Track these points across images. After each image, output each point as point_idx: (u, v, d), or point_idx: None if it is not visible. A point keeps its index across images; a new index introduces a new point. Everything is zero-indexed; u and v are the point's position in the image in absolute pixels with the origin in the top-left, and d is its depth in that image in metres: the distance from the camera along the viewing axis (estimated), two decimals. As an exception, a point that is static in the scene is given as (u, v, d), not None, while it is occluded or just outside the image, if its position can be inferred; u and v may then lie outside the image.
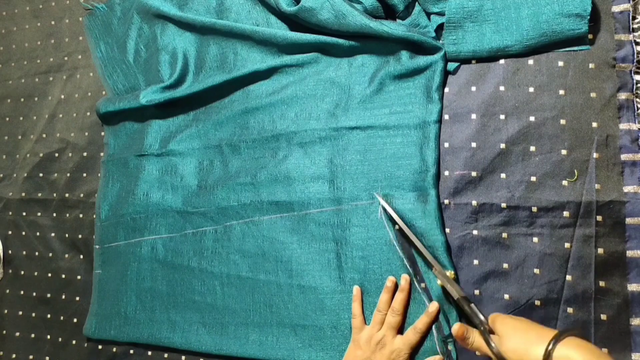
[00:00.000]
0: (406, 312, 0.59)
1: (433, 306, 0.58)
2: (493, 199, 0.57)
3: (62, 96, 0.87)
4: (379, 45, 0.65)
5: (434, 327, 0.58)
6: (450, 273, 0.57)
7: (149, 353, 0.74)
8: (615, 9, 0.55)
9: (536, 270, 0.55)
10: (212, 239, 0.71)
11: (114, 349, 0.76)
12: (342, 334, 0.62)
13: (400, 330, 0.59)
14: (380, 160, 0.63)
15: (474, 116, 0.60)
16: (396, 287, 0.60)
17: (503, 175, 0.58)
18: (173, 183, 0.75)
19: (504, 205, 0.57)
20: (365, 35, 0.64)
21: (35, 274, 0.84)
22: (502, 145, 0.58)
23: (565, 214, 0.54)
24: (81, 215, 0.82)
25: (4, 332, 0.85)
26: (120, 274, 0.76)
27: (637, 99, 0.54)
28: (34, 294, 0.84)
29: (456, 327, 0.50)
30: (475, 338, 0.50)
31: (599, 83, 0.55)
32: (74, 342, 0.79)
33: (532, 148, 0.57)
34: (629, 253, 0.52)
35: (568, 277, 0.54)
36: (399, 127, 0.62)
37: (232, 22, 0.73)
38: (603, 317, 0.52)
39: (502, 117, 0.58)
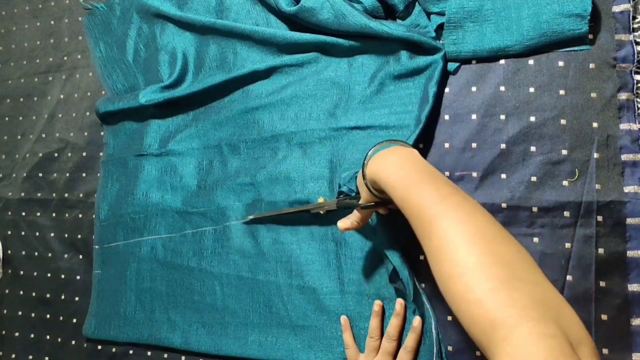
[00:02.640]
0: (401, 336, 0.59)
1: (416, 321, 0.57)
2: (493, 199, 0.57)
3: (62, 96, 0.87)
4: (378, 45, 0.64)
5: (434, 337, 0.57)
6: (321, 199, 0.63)
7: (149, 353, 0.73)
8: (616, 9, 0.55)
9: (536, 271, 0.55)
10: (212, 239, 0.71)
11: (114, 349, 0.76)
12: (341, 335, 0.62)
13: (396, 354, 0.58)
14: (380, 160, 0.63)
15: (474, 116, 0.60)
16: (384, 309, 0.60)
17: (503, 176, 0.57)
18: (172, 183, 0.75)
19: (504, 205, 0.57)
20: (365, 35, 0.64)
21: (35, 274, 0.84)
22: (503, 146, 0.58)
23: (566, 214, 0.54)
24: (80, 215, 0.82)
25: (4, 332, 0.85)
26: (119, 274, 0.76)
27: (638, 99, 0.54)
28: (34, 294, 0.84)
29: (339, 225, 0.55)
30: (355, 215, 0.55)
31: (599, 83, 0.55)
32: (73, 342, 0.79)
33: (533, 148, 0.57)
34: (630, 253, 0.52)
35: (568, 277, 0.54)
36: (399, 127, 0.62)
37: (231, 22, 0.73)
38: (603, 317, 0.52)
39: (502, 117, 0.58)
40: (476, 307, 0.33)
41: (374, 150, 0.51)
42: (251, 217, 0.68)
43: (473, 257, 0.35)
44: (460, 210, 0.39)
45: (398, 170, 0.46)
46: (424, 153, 0.62)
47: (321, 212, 0.62)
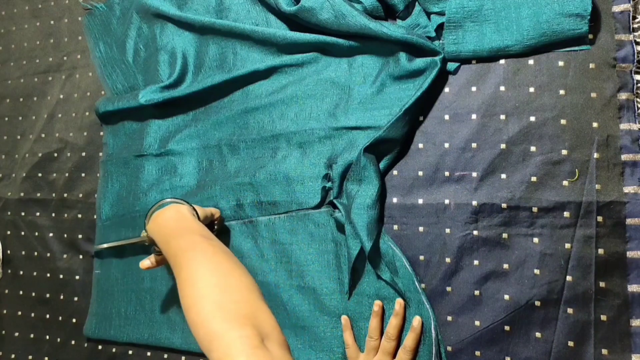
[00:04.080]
0: (401, 336, 0.59)
1: (416, 321, 0.58)
2: (493, 199, 0.57)
3: (61, 96, 0.87)
4: (378, 45, 0.64)
5: (433, 337, 0.57)
6: (144, 233, 0.63)
7: (149, 353, 0.73)
8: (616, 9, 0.55)
9: (536, 271, 0.55)
10: (212, 239, 0.71)
11: (114, 350, 0.76)
12: (341, 335, 0.62)
13: (395, 353, 0.58)
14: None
15: (474, 116, 0.60)
16: (383, 310, 0.60)
17: (503, 176, 0.57)
18: (173, 183, 0.75)
19: (504, 205, 0.57)
20: (365, 35, 0.64)
21: (34, 274, 0.84)
22: (503, 146, 0.58)
23: (566, 214, 0.54)
24: (80, 216, 0.82)
25: (3, 332, 0.85)
26: (120, 273, 0.76)
27: (638, 99, 0.54)
28: (33, 294, 0.84)
29: (140, 265, 0.64)
30: (153, 257, 0.64)
31: (599, 83, 0.55)
32: (73, 342, 0.79)
33: (533, 148, 0.57)
34: (629, 254, 0.52)
35: (568, 278, 0.53)
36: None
37: (231, 22, 0.73)
38: (603, 318, 0.52)
39: (502, 117, 0.58)
40: (202, 327, 0.42)
41: (152, 211, 0.60)
42: (105, 245, 0.74)
43: (205, 290, 0.45)
44: (204, 254, 0.49)
45: (163, 228, 0.57)
46: (424, 153, 0.62)
47: (146, 244, 0.65)
